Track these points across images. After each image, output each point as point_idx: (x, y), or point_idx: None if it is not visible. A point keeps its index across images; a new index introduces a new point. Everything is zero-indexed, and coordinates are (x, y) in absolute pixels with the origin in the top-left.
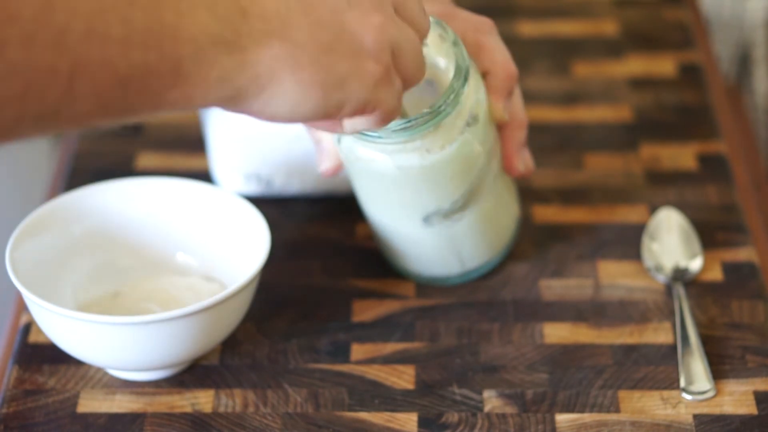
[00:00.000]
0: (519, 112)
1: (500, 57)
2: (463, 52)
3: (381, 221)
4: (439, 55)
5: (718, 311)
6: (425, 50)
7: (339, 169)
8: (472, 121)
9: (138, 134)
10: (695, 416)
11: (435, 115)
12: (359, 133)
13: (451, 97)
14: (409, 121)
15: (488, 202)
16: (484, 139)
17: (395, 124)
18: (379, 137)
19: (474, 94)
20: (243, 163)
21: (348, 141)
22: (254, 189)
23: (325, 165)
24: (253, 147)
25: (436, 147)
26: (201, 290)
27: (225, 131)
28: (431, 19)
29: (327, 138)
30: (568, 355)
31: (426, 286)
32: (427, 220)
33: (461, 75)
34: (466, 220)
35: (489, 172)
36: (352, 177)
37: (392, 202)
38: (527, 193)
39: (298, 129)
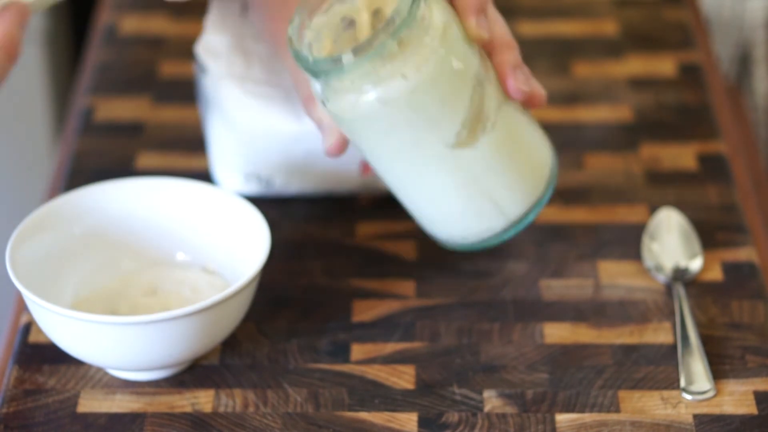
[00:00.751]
0: (503, 33)
1: None
2: None
3: (401, 182)
4: None
5: (718, 311)
6: None
7: (343, 144)
8: (443, 37)
9: (138, 134)
10: (695, 416)
11: (388, 30)
12: (325, 81)
13: (404, 8)
14: (362, 44)
15: (500, 132)
16: (464, 58)
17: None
18: (342, 71)
19: (440, 12)
20: (243, 163)
21: (331, 99)
22: (254, 189)
23: (328, 141)
24: (253, 147)
25: (410, 70)
26: (202, 290)
27: (225, 131)
28: None
29: (326, 116)
30: (568, 355)
31: (428, 274)
32: (438, 159)
33: None
34: (481, 154)
35: (487, 97)
36: (357, 142)
37: (397, 151)
38: None
39: (299, 128)
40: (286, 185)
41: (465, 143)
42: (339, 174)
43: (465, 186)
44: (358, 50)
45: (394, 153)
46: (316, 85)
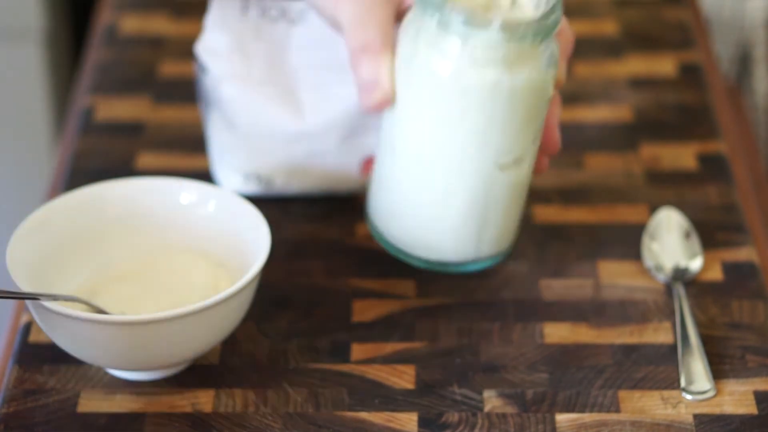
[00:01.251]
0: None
1: (565, 21)
2: None
3: (423, 170)
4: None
5: (718, 311)
6: None
7: (385, 104)
8: (552, 63)
9: (138, 134)
10: (695, 416)
11: (549, 18)
12: (467, 33)
13: (557, 11)
14: (531, 21)
15: (526, 168)
16: (552, 87)
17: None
18: (492, 36)
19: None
20: (243, 163)
21: (435, 55)
22: (254, 189)
23: (374, 98)
24: (254, 147)
25: (524, 67)
26: (204, 288)
27: (225, 131)
28: None
29: (376, 68)
30: (568, 355)
31: (429, 275)
32: (479, 171)
33: (560, 4)
34: (505, 182)
35: (539, 130)
36: (411, 107)
37: (461, 133)
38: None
39: (299, 128)
40: (286, 185)
41: (507, 167)
42: (339, 174)
43: (472, 208)
44: (527, 25)
45: (453, 135)
46: (423, 36)
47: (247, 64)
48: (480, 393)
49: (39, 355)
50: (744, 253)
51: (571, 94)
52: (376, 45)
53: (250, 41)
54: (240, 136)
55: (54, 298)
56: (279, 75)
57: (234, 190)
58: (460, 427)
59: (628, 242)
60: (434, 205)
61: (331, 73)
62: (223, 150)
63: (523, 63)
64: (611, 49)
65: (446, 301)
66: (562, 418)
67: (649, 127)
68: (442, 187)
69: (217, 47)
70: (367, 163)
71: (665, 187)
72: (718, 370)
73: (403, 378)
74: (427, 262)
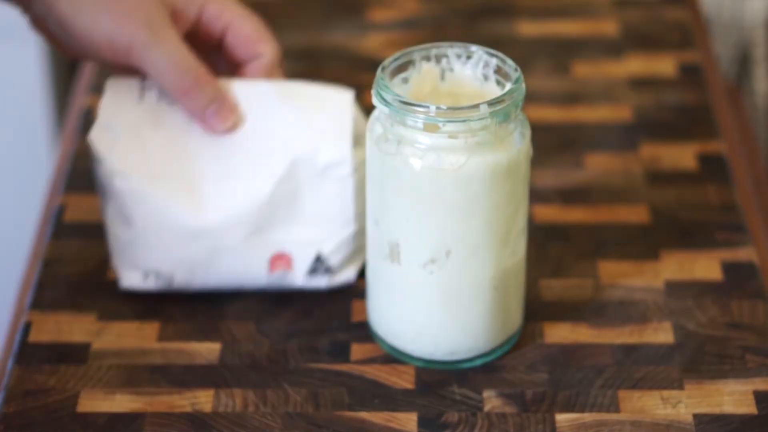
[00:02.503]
0: None
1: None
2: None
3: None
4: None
5: (718, 311)
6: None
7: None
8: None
9: None
10: (695, 416)
11: (515, 99)
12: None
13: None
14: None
15: (520, 253)
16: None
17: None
18: (466, 120)
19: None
20: (141, 260)
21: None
22: (154, 285)
23: (232, 119)
24: (152, 243)
25: (507, 151)
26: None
27: (121, 225)
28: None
29: (213, 94)
30: (568, 355)
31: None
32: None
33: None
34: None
35: (521, 210)
36: (397, 191)
37: (479, 213)
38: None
39: (200, 224)
40: (188, 282)
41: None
42: (245, 271)
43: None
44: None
45: (470, 220)
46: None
47: (144, 155)
48: (480, 393)
49: (39, 355)
50: (744, 253)
51: (571, 94)
52: (201, 76)
53: (148, 130)
54: (137, 232)
55: None
56: (179, 166)
57: (133, 287)
58: (460, 427)
59: (628, 242)
60: (443, 306)
61: (234, 162)
62: (120, 245)
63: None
64: (611, 49)
65: None
66: (561, 418)
67: (649, 127)
68: (436, 295)
69: (111, 137)
70: (276, 259)
71: (665, 187)
72: (718, 370)
73: (403, 378)
74: (428, 360)
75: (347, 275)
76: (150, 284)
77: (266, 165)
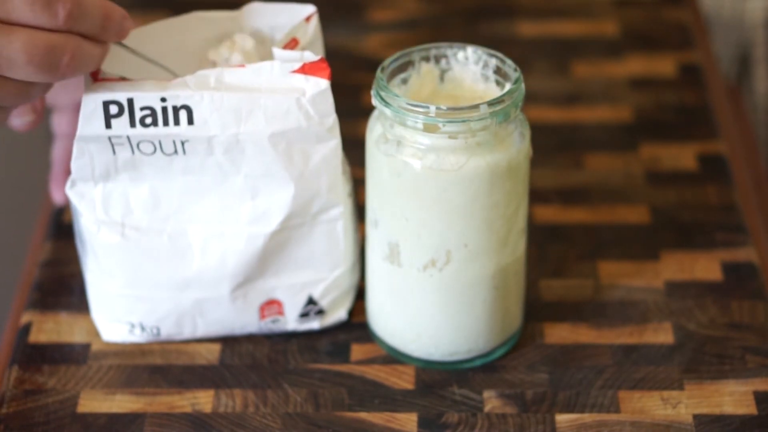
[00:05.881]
0: None
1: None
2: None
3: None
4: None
5: (718, 311)
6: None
7: (36, 123)
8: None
9: None
10: (695, 416)
11: (513, 96)
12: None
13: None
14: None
15: (519, 252)
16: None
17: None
18: (462, 121)
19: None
20: (124, 314)
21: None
22: (139, 338)
23: (26, 118)
24: (136, 297)
25: (505, 151)
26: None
27: (102, 278)
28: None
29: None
30: (568, 355)
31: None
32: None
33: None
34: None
35: (521, 210)
36: (408, 193)
37: (484, 209)
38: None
39: (184, 277)
40: (175, 334)
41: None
42: (236, 319)
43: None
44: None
45: (475, 217)
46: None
47: (126, 209)
48: (480, 393)
49: (39, 355)
50: (744, 254)
51: (571, 94)
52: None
53: (127, 182)
54: (120, 286)
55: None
56: (162, 215)
57: (118, 339)
58: (460, 428)
59: (628, 242)
60: (442, 305)
61: (218, 207)
62: (101, 299)
63: (503, 132)
64: (611, 49)
65: None
66: (562, 418)
67: (649, 127)
68: (441, 293)
69: (89, 192)
70: (266, 306)
71: (665, 187)
72: (718, 370)
73: (403, 378)
74: (429, 360)
75: (339, 315)
76: (136, 337)
77: (258, 223)
